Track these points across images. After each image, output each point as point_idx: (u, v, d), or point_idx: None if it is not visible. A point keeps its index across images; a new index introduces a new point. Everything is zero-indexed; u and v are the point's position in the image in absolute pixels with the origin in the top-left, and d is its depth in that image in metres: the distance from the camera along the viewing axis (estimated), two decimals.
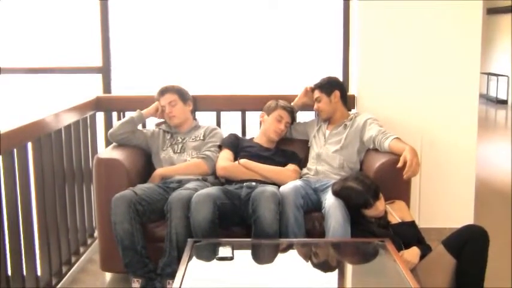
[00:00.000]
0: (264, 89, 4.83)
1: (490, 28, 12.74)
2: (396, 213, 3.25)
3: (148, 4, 4.96)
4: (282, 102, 3.85)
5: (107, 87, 4.51)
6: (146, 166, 3.78)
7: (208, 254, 3.02)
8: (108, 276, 3.71)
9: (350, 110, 4.00)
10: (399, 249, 3.00)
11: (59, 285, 3.46)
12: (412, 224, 3.27)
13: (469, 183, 4.23)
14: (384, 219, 3.18)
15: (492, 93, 13.11)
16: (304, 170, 3.74)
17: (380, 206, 3.15)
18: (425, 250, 3.09)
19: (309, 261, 3.15)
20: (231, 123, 4.27)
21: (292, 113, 3.86)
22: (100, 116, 4.35)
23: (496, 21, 12.89)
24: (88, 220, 4.01)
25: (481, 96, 11.97)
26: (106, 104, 4.27)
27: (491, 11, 12.73)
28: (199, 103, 4.12)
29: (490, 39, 12.88)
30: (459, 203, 4.23)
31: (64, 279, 3.54)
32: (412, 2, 4.04)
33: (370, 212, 3.15)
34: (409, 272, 2.67)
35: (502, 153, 7.14)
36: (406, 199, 3.40)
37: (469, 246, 2.92)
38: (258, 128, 4.01)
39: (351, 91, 4.30)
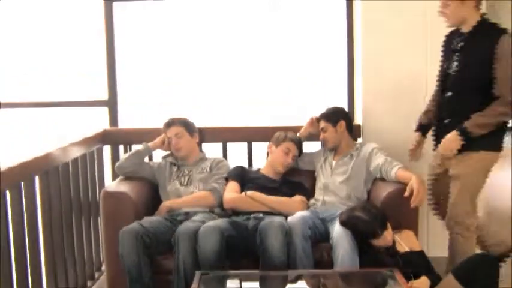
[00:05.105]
0: (269, 119, 4.86)
1: None
2: (404, 242, 3.23)
3: (153, 38, 5.02)
4: (290, 134, 3.85)
5: (113, 121, 4.53)
6: (153, 198, 3.78)
7: (216, 286, 3.00)
8: None
9: (356, 140, 4.01)
10: (408, 279, 2.98)
11: None
12: (421, 253, 3.24)
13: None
14: (392, 249, 3.16)
15: None
16: (312, 201, 3.73)
17: (388, 235, 3.13)
18: (435, 280, 3.06)
19: None
20: (237, 154, 4.28)
21: (300, 145, 3.87)
22: (107, 149, 4.36)
23: None
24: (95, 254, 4.00)
25: None
26: (113, 137, 4.29)
27: None
28: (205, 135, 4.14)
29: None
30: None
31: None
32: (416, 33, 4.07)
33: (378, 242, 3.13)
34: None
35: None
36: (415, 228, 3.38)
37: (479, 275, 2.90)
38: (265, 158, 4.02)
39: (357, 121, 4.30)
